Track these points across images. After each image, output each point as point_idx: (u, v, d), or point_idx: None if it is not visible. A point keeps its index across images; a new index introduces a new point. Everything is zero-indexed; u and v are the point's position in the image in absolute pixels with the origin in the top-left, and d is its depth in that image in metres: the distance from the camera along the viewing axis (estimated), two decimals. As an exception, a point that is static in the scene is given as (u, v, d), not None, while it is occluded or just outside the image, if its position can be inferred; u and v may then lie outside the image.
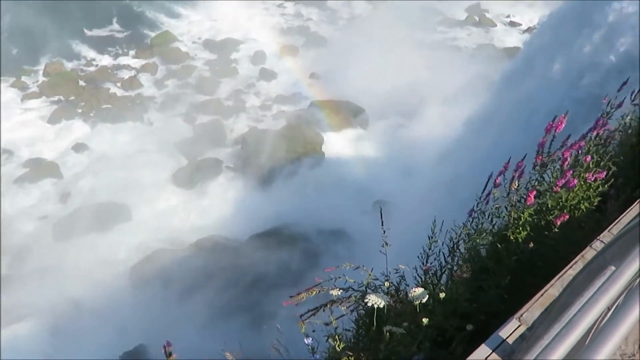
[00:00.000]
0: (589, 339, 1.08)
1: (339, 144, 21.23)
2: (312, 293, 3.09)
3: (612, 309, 1.11)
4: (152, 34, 29.85)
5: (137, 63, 27.53)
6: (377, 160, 19.97)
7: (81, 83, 25.52)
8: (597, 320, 1.10)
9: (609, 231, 2.50)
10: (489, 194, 3.36)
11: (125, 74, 26.52)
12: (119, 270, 15.30)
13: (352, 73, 23.58)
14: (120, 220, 17.58)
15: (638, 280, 1.05)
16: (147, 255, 15.76)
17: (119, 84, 25.72)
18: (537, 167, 3.27)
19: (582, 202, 3.03)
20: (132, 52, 28.61)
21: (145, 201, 18.26)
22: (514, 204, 3.17)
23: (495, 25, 31.20)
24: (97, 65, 27.31)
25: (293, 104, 24.30)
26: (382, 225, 3.60)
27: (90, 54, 28.28)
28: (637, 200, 2.69)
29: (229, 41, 29.24)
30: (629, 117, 3.93)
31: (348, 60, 24.44)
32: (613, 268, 1.28)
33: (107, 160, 20.09)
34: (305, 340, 2.87)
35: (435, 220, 3.45)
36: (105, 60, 27.74)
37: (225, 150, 21.15)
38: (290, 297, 3.10)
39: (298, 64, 27.17)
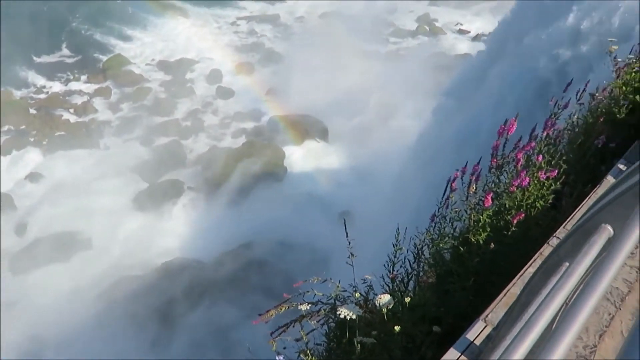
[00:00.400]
0: (549, 335, 1.11)
1: (300, 157, 21.29)
2: (281, 310, 3.06)
3: (569, 305, 1.14)
4: (104, 58, 29.33)
5: (89, 88, 26.97)
6: (339, 171, 20.11)
7: (32, 111, 24.78)
8: (555, 316, 1.13)
9: (564, 227, 2.58)
10: (448, 199, 3.42)
11: (78, 100, 25.92)
12: (83, 301, 14.80)
13: (309, 87, 23.73)
14: (81, 249, 17.06)
15: (590, 274, 1.09)
16: (111, 283, 15.33)
17: (71, 110, 25.12)
18: (493, 170, 3.35)
19: (537, 200, 3.13)
20: (83, 77, 28.01)
21: (105, 228, 17.79)
22: (473, 206, 3.23)
23: (445, 34, 32.06)
24: (47, 93, 26.59)
25: (252, 121, 24.26)
26: (347, 236, 3.62)
27: (40, 81, 27.52)
28: (588, 196, 2.79)
29: (184, 61, 29.02)
30: (575, 117, 4.09)
31: (304, 74, 24.59)
32: (567, 264, 1.32)
33: (63, 189, 19.51)
34: (277, 357, 2.84)
35: (398, 228, 3.49)
36: (56, 87, 27.05)
37: (185, 171, 20.89)
38: (259, 315, 3.07)
39: (255, 80, 27.18)
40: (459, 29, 32.61)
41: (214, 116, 24.95)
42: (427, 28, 32.58)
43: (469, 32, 32.04)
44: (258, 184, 19.40)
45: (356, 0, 35.60)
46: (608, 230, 1.18)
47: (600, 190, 2.81)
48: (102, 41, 30.91)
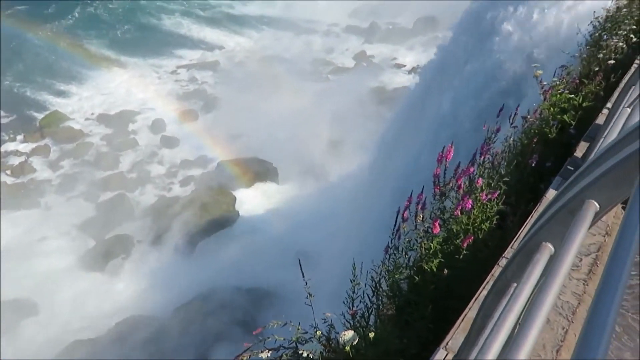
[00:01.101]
0: (504, 357, 1.12)
1: (251, 200, 21.14)
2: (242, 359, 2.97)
3: (520, 325, 1.15)
4: (40, 116, 28.48)
5: (26, 147, 26.04)
6: (291, 210, 20.05)
7: (-35, 176, 23.64)
8: (509, 337, 1.15)
9: (511, 247, 2.65)
10: (399, 230, 3.46)
11: (15, 160, 24.95)
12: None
13: (254, 129, 23.86)
14: (28, 315, 16.16)
15: (536, 293, 1.12)
16: (63, 349, 14.52)
17: (8, 172, 24.12)
18: (437, 197, 3.43)
19: (482, 222, 3.21)
20: (19, 137, 27.02)
21: (52, 292, 16.94)
22: (422, 235, 3.28)
23: (383, 69, 33.05)
24: (-20, 156, 25.46)
25: (200, 167, 24.02)
26: (304, 276, 3.59)
27: (-28, 144, 26.34)
28: (531, 215, 2.89)
29: (125, 113, 28.56)
30: (511, 139, 4.27)
31: (249, 117, 24.74)
32: (515, 284, 1.35)
33: (4, 254, 18.50)
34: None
35: (354, 263, 3.49)
36: (-9, 149, 25.96)
37: (134, 224, 20.30)
38: (220, 368, 2.97)
39: (199, 127, 27.04)
40: (395, 64, 33.73)
41: (160, 166, 24.54)
42: (365, 64, 33.54)
43: (405, 65, 33.19)
44: (210, 231, 19.07)
45: (293, 42, 36.51)
46: (549, 248, 1.22)
47: (540, 208, 2.92)
48: (38, 98, 30.06)
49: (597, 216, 1.13)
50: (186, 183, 23.03)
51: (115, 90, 31.33)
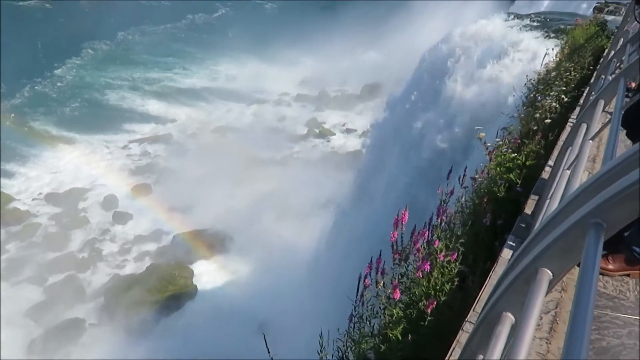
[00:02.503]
0: None
1: (210, 272, 20.65)
2: None
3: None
4: (-16, 199, 27.28)
5: (-32, 233, 24.74)
6: (252, 281, 19.66)
7: None
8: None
9: (473, 310, 2.67)
10: (362, 297, 3.45)
11: (-45, 247, 23.60)
12: None
13: (210, 200, 23.64)
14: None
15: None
16: None
17: (-53, 260, 22.72)
18: (397, 262, 3.46)
19: (444, 285, 3.24)
20: (-40, 222, 25.71)
21: (-5, 389, 15.69)
22: (385, 301, 3.27)
23: (334, 134, 33.83)
24: None
25: (155, 242, 23.39)
26: (269, 352, 3.50)
27: None
28: (489, 276, 2.94)
29: (74, 191, 27.75)
30: (463, 199, 4.40)
31: (204, 188, 24.55)
32: (481, 357, 1.36)
33: (-60, 352, 17.13)
34: None
35: (321, 333, 3.44)
36: None
37: (85, 307, 19.32)
38: None
39: (153, 201, 26.53)
40: (346, 129, 34.62)
41: (112, 243, 23.74)
42: (317, 131, 34.24)
43: (356, 130, 34.09)
44: (168, 307, 18.36)
45: (245, 112, 37.11)
46: (510, 318, 1.23)
47: (498, 268, 2.97)
48: (-20, 182, 28.89)
49: (552, 283, 1.16)
50: (141, 259, 22.31)
51: (64, 168, 30.55)
